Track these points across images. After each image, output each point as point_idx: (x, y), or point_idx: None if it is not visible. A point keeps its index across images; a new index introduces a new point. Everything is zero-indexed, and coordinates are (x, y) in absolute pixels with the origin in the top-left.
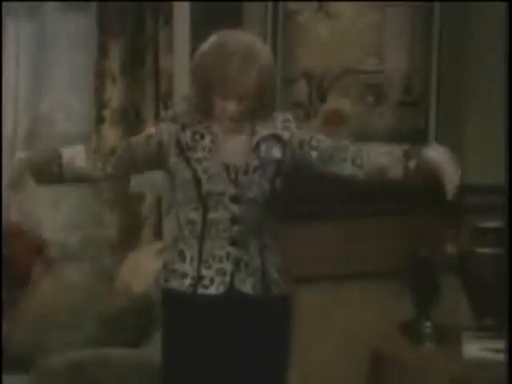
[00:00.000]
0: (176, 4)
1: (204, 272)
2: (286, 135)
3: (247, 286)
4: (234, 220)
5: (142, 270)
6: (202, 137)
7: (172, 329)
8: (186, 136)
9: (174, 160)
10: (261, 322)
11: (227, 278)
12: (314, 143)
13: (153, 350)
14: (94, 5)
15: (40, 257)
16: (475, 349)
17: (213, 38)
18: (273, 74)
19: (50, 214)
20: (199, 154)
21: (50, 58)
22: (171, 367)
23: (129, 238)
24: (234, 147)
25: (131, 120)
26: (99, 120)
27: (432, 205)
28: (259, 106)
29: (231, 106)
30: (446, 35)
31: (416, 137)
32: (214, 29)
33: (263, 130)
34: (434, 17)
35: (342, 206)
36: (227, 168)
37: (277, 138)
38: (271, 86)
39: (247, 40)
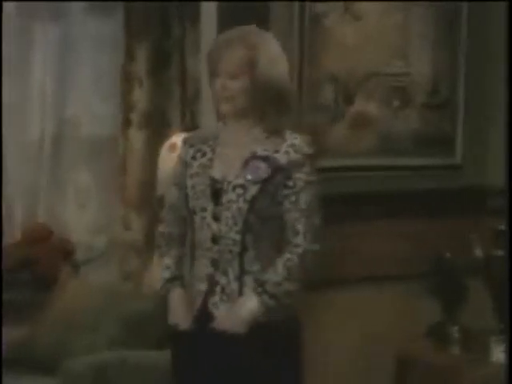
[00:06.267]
0: (203, 6)
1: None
2: (283, 160)
3: (219, 311)
4: (214, 239)
5: None
6: (204, 155)
7: (172, 350)
8: (189, 154)
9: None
10: (233, 349)
11: (200, 299)
12: (293, 197)
13: None
14: (120, 7)
15: (67, 259)
16: (502, 353)
17: None
18: (273, 65)
19: (76, 217)
20: (193, 170)
21: (76, 61)
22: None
23: (154, 240)
24: (229, 162)
25: (157, 123)
26: (126, 123)
27: (458, 207)
28: (263, 103)
29: (219, 82)
30: (473, 36)
31: (441, 140)
32: None
33: (262, 151)
34: (462, 18)
35: (368, 208)
36: (213, 184)
37: (271, 160)
38: (275, 82)
39: (245, 28)
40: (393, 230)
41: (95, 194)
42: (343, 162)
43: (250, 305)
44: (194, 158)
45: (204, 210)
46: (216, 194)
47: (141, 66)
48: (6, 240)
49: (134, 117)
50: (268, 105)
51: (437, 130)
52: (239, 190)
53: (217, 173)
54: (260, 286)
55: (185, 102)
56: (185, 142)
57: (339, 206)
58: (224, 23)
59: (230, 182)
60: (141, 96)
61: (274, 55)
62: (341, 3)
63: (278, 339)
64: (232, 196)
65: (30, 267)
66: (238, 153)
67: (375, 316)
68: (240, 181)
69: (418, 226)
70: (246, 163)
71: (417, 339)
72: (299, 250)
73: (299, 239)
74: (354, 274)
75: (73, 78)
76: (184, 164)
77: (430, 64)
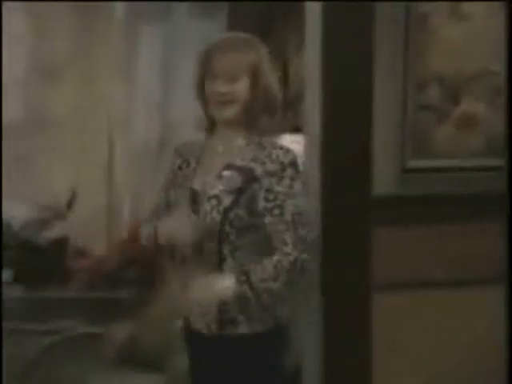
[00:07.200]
0: (307, 6)
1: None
2: (258, 170)
3: (200, 324)
4: (194, 250)
5: None
6: (188, 165)
7: None
8: (176, 164)
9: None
10: (220, 362)
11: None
12: (276, 210)
13: None
14: (223, 9)
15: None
16: None
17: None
18: (271, 70)
19: None
20: (177, 181)
21: (179, 64)
22: None
23: None
24: (208, 173)
25: None
26: None
27: None
28: (254, 108)
29: (218, 85)
30: None
31: None
32: (345, 32)
33: (240, 160)
34: None
35: (472, 209)
36: (193, 195)
37: (245, 170)
38: (265, 86)
39: (243, 34)
40: (497, 232)
41: None
42: (449, 163)
43: (226, 283)
44: (180, 168)
45: None
46: (194, 205)
47: None
48: (114, 240)
49: None
50: (261, 110)
51: None
52: (214, 201)
53: (197, 184)
54: (244, 275)
55: (287, 103)
56: (175, 151)
57: (444, 207)
58: (328, 24)
59: (206, 193)
60: None
61: (270, 61)
62: (446, 3)
63: (266, 348)
64: (207, 207)
65: (135, 266)
66: (217, 163)
67: (481, 318)
68: (215, 191)
69: None
70: (220, 173)
71: None
72: (290, 258)
73: (289, 249)
74: (459, 275)
75: (176, 81)
76: (172, 174)
77: None
